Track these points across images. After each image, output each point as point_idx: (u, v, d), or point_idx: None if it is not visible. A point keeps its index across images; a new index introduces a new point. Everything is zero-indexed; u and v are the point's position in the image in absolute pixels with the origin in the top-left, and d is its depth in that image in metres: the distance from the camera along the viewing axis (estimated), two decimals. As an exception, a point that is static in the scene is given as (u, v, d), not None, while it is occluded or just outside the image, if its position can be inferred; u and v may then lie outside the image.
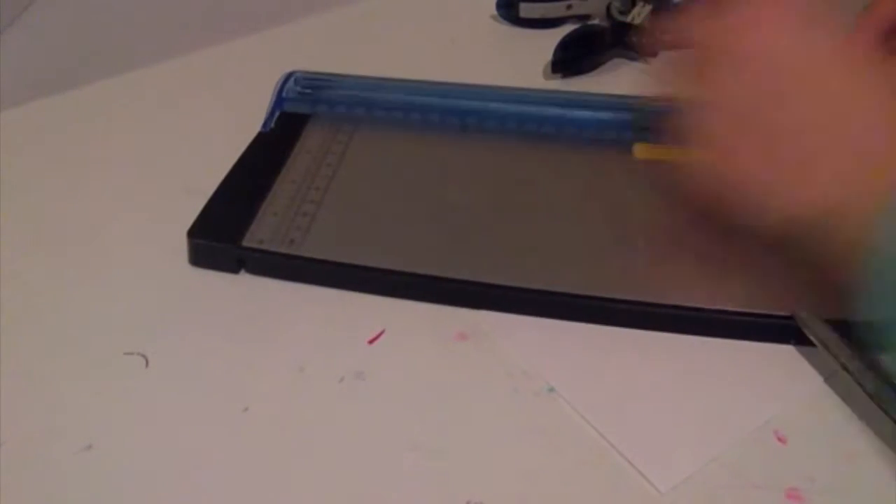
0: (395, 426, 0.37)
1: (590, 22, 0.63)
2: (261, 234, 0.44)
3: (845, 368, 0.37)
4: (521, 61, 0.60)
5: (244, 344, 0.41)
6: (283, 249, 0.44)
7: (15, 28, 0.64)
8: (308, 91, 0.54)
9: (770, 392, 0.38)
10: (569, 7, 0.64)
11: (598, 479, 0.35)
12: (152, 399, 0.39)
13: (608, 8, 0.62)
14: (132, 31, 0.65)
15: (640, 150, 0.49)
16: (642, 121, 0.50)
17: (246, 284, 0.44)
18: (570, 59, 0.59)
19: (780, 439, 0.36)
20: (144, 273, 0.44)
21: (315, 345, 0.41)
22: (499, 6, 0.65)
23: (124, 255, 0.46)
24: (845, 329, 0.38)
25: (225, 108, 0.55)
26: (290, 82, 0.54)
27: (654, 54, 0.59)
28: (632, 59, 0.60)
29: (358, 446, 0.36)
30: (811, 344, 0.39)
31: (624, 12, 0.61)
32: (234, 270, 0.44)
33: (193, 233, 0.45)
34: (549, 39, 0.59)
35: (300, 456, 0.36)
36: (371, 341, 0.41)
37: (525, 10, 0.64)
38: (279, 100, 0.53)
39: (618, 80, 0.58)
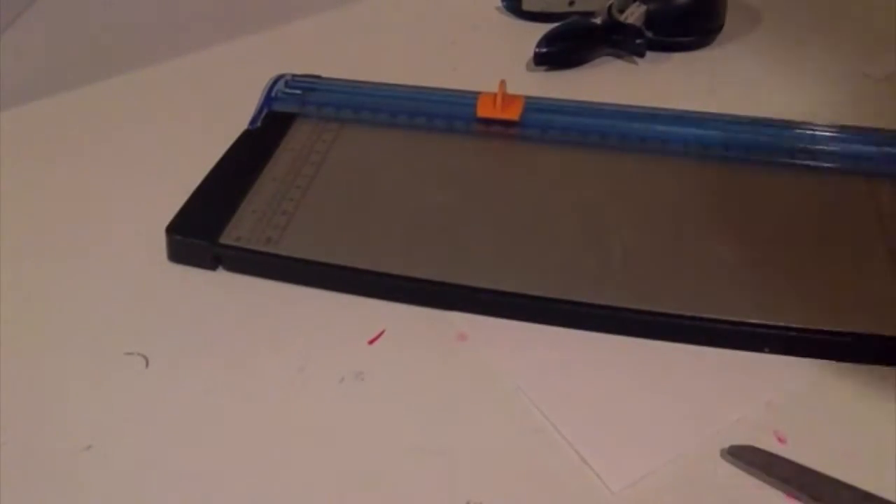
0: (395, 426, 0.37)
1: (583, 18, 0.63)
2: (239, 231, 0.45)
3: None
4: (521, 54, 0.60)
5: (242, 344, 0.41)
6: (260, 247, 0.44)
7: (15, 28, 0.64)
8: (297, 91, 0.54)
9: (734, 398, 0.38)
10: (571, 3, 0.64)
11: (561, 478, 0.35)
12: (152, 399, 0.39)
13: (610, 6, 0.62)
14: (131, 31, 0.65)
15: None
16: None
17: (234, 282, 0.44)
18: (556, 52, 0.59)
19: (780, 439, 0.36)
20: (142, 272, 0.45)
21: (315, 345, 0.41)
22: (503, -2, 0.65)
23: (123, 254, 0.46)
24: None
25: (224, 108, 0.55)
26: (280, 83, 0.55)
27: (642, 55, 0.60)
28: (619, 57, 0.60)
29: (358, 446, 0.36)
30: (787, 353, 0.39)
31: (623, 11, 0.61)
32: (212, 267, 0.44)
33: (172, 229, 0.45)
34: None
35: (300, 456, 0.36)
36: (371, 341, 0.41)
37: (528, 4, 0.65)
38: (268, 98, 0.54)
39: (602, 78, 0.59)
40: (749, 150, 0.49)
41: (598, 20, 0.62)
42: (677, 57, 0.61)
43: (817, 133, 0.50)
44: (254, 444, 0.37)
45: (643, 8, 0.60)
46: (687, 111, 0.52)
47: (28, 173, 0.52)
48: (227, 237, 0.44)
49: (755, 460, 0.35)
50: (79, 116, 0.57)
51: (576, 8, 0.64)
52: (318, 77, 0.56)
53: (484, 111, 0.51)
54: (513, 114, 0.51)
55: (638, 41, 0.59)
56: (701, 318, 0.40)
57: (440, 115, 0.52)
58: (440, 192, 0.47)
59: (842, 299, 0.41)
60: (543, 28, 0.61)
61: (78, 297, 0.43)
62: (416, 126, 0.52)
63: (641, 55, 0.60)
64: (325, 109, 0.53)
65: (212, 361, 0.40)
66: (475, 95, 0.52)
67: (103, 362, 0.40)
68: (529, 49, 0.59)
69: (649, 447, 0.36)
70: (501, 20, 0.66)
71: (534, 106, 0.52)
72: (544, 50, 0.59)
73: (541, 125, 0.51)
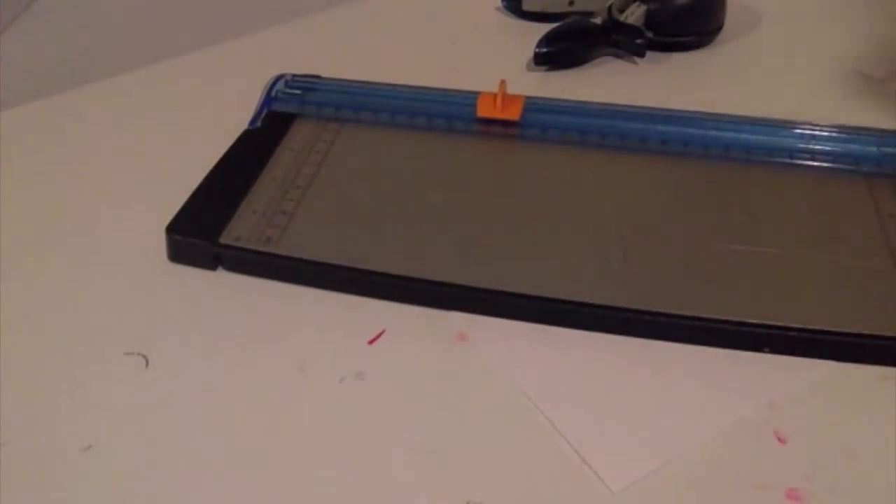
0: (395, 426, 0.37)
1: (583, 18, 0.63)
2: (239, 231, 0.45)
3: None
4: (521, 54, 0.60)
5: (242, 344, 0.41)
6: (260, 247, 0.44)
7: (15, 28, 0.64)
8: (297, 91, 0.54)
9: (734, 398, 0.38)
10: (571, 3, 0.64)
11: (561, 478, 0.35)
12: (152, 399, 0.39)
13: (610, 6, 0.62)
14: (131, 31, 0.65)
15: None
16: None
17: (234, 282, 0.44)
18: (556, 52, 0.59)
19: (780, 439, 0.36)
20: (142, 272, 0.45)
21: (315, 345, 0.41)
22: (503, -2, 0.66)
23: (123, 254, 0.46)
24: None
25: (224, 107, 0.55)
26: (280, 83, 0.55)
27: (642, 55, 0.60)
28: (619, 57, 0.60)
29: (358, 446, 0.36)
30: (787, 353, 0.39)
31: (623, 11, 0.61)
32: (212, 267, 0.44)
33: (172, 229, 0.45)
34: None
35: (300, 455, 0.36)
36: (371, 341, 0.41)
37: (528, 4, 0.65)
38: (268, 98, 0.54)
39: (602, 78, 0.59)
40: (749, 150, 0.49)
41: (598, 20, 0.62)
42: (677, 57, 0.61)
43: (817, 133, 0.50)
44: (254, 444, 0.37)
45: (643, 8, 0.60)
46: (687, 111, 0.52)
47: (28, 173, 0.52)
48: (227, 237, 0.44)
49: None
50: (79, 116, 0.57)
51: (576, 8, 0.64)
52: (318, 77, 0.56)
53: (484, 111, 0.51)
54: (513, 114, 0.51)
55: (638, 41, 0.59)
56: (701, 318, 0.40)
57: (440, 115, 0.52)
58: (440, 192, 0.47)
59: (842, 299, 0.41)
60: (543, 28, 0.61)
61: (78, 297, 0.43)
62: (416, 126, 0.52)
63: (641, 55, 0.60)
64: (325, 109, 0.53)
65: (212, 361, 0.40)
66: (475, 95, 0.52)
67: (103, 362, 0.40)
68: (529, 49, 0.59)
69: (649, 447, 0.36)
70: (501, 20, 0.66)
71: (534, 106, 0.52)
72: (544, 50, 0.59)
73: (541, 125, 0.51)
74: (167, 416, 0.38)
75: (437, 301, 0.42)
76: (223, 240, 0.44)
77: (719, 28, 0.62)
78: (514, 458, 0.36)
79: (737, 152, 0.49)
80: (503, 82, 0.52)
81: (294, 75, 0.56)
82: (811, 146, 0.49)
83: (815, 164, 0.48)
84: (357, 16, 0.67)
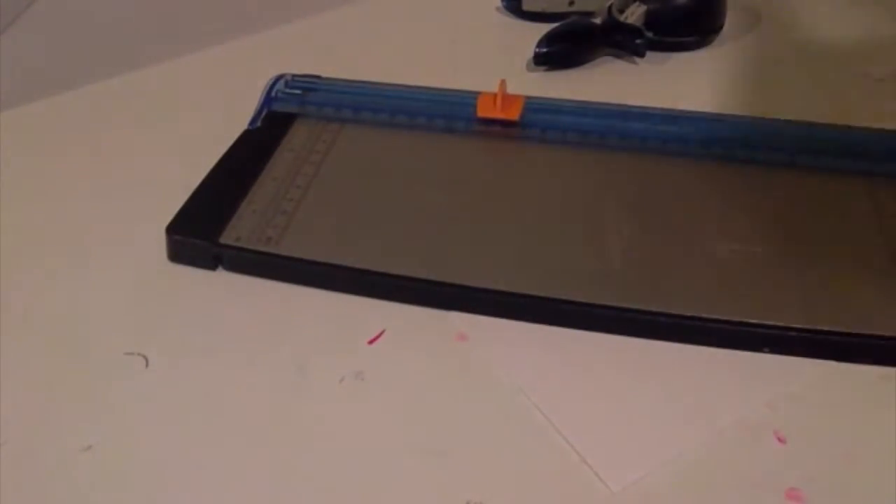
0: (395, 426, 0.37)
1: (583, 18, 0.63)
2: (239, 231, 0.45)
3: None
4: (521, 54, 0.60)
5: (242, 344, 0.41)
6: (260, 247, 0.44)
7: (15, 28, 0.64)
8: (297, 91, 0.54)
9: (734, 398, 0.38)
10: (571, 3, 0.64)
11: (561, 478, 0.35)
12: (152, 399, 0.39)
13: (610, 6, 0.62)
14: (131, 31, 0.65)
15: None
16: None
17: (234, 282, 0.44)
18: (556, 52, 0.59)
19: (780, 439, 0.36)
20: (142, 272, 0.45)
21: (315, 345, 0.41)
22: (503, -2, 0.66)
23: (123, 254, 0.46)
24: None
25: (224, 108, 0.55)
26: (280, 83, 0.55)
27: (642, 55, 0.60)
28: (619, 57, 0.60)
29: (358, 446, 0.36)
30: (787, 353, 0.39)
31: (623, 11, 0.61)
32: (212, 267, 0.44)
33: (172, 229, 0.45)
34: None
35: (300, 456, 0.36)
36: (371, 341, 0.41)
37: (528, 4, 0.65)
38: (268, 98, 0.54)
39: (602, 78, 0.59)
40: (749, 149, 0.49)
41: (598, 20, 0.62)
42: (677, 57, 0.61)
43: (817, 133, 0.50)
44: (254, 444, 0.37)
45: (643, 8, 0.60)
46: (687, 111, 0.52)
47: (28, 173, 0.52)
48: (227, 237, 0.44)
49: None
50: (79, 116, 0.57)
51: (576, 8, 0.64)
52: (318, 77, 0.56)
53: (484, 111, 0.52)
54: (513, 114, 0.51)
55: (638, 41, 0.59)
56: (701, 318, 0.40)
57: (440, 115, 0.52)
58: (440, 192, 0.47)
59: (842, 299, 0.41)
60: (543, 28, 0.61)
61: (78, 297, 0.43)
62: (416, 126, 0.52)
63: (641, 55, 0.60)
64: (325, 109, 0.53)
65: (212, 361, 0.40)
66: (475, 95, 0.52)
67: (103, 362, 0.40)
68: (529, 49, 0.59)
69: (649, 447, 0.36)
70: (501, 20, 0.66)
71: (534, 106, 0.52)
72: (544, 50, 0.59)
73: (541, 125, 0.51)
74: (167, 416, 0.38)
75: (437, 301, 0.42)
76: (223, 240, 0.44)
77: (719, 28, 0.62)
78: (514, 458, 0.36)
79: (736, 152, 0.49)
80: (503, 82, 0.52)
81: (294, 75, 0.56)
82: (811, 146, 0.49)
83: (815, 163, 0.48)
84: (357, 16, 0.67)
